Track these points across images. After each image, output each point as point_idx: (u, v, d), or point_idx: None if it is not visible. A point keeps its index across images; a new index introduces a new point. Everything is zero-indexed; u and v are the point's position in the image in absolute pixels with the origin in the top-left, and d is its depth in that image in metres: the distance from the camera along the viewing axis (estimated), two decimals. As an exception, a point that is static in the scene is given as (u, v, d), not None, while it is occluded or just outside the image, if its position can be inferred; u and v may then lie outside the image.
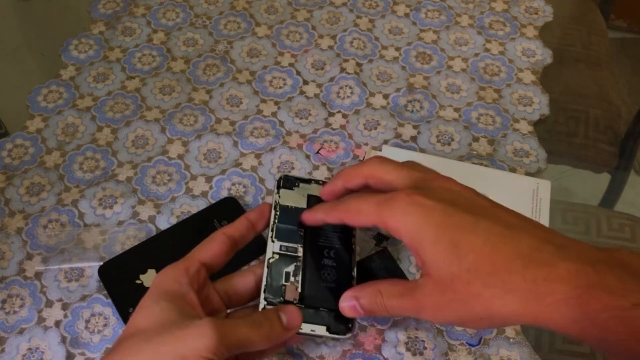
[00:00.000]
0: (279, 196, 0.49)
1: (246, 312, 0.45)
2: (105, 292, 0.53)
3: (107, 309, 0.53)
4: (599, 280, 0.33)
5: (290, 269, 0.46)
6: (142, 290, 0.53)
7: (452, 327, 0.52)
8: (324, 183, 0.50)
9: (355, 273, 0.47)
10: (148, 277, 0.53)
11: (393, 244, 0.56)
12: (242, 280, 0.45)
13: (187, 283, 0.41)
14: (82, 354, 0.51)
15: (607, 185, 1.07)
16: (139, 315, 0.40)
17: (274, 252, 0.47)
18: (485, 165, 0.61)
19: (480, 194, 0.41)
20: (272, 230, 0.47)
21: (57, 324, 0.52)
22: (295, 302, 0.45)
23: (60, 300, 0.54)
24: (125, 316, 0.52)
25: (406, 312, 0.42)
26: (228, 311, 0.45)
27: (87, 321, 0.52)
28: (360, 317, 0.45)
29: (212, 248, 0.44)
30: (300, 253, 0.47)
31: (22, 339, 0.52)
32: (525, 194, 0.58)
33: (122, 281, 0.53)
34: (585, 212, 0.84)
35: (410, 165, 0.44)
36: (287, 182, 0.50)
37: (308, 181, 0.50)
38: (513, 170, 0.62)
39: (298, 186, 0.50)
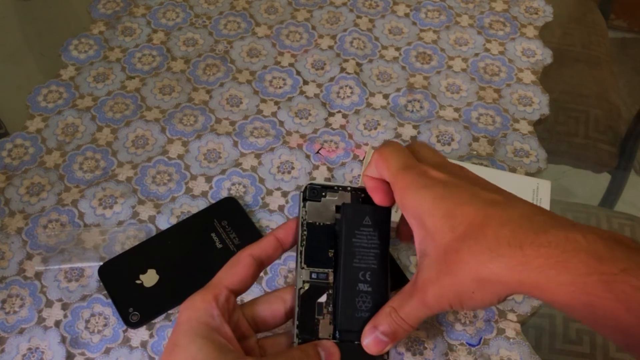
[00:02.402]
0: (306, 212, 0.45)
1: (279, 341, 0.44)
2: (105, 292, 0.53)
3: (107, 309, 0.53)
4: (588, 246, 0.33)
5: (323, 299, 0.43)
6: (142, 290, 0.53)
7: (452, 327, 0.52)
8: (352, 189, 0.46)
9: (390, 296, 0.43)
10: (148, 277, 0.54)
11: (393, 244, 0.56)
12: (271, 307, 0.43)
13: (218, 315, 0.39)
14: (82, 354, 0.51)
15: (607, 185, 1.07)
16: (176, 355, 0.38)
17: (304, 281, 0.43)
18: (485, 165, 0.61)
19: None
20: (300, 255, 0.43)
21: (57, 324, 0.52)
22: (329, 338, 0.42)
23: (60, 300, 0.54)
24: (125, 316, 0.52)
25: (420, 313, 0.40)
26: (258, 336, 0.44)
27: (87, 321, 0.52)
28: (389, 347, 0.42)
29: (238, 272, 0.42)
30: (330, 279, 0.43)
31: (22, 339, 0.52)
32: (525, 194, 0.58)
33: (122, 281, 0.53)
34: (585, 212, 0.85)
35: (440, 153, 0.45)
36: (313, 192, 0.45)
37: (335, 189, 0.46)
38: (513, 170, 0.62)
39: (325, 196, 0.45)
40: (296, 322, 0.42)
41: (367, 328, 0.42)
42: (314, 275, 0.43)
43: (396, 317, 0.40)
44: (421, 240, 0.40)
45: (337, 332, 0.42)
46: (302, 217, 0.45)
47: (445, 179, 0.39)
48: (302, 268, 0.43)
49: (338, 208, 0.45)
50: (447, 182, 0.39)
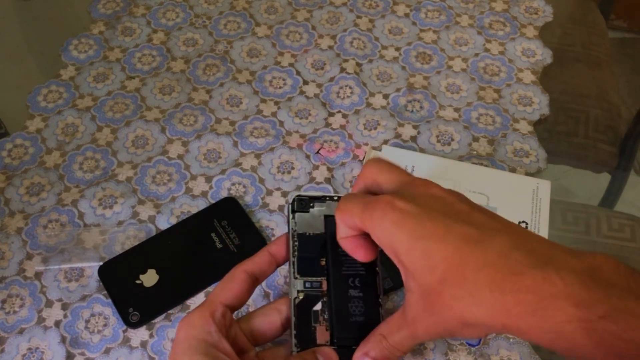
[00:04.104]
0: (295, 223, 0.46)
1: (278, 352, 0.44)
2: (105, 292, 0.53)
3: (107, 309, 0.53)
4: (566, 290, 0.32)
5: (318, 307, 0.44)
6: (142, 290, 0.53)
7: (452, 327, 0.52)
8: (339, 199, 0.46)
9: (382, 299, 0.45)
10: (148, 277, 0.54)
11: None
12: (267, 320, 0.44)
13: (216, 331, 0.40)
14: (82, 354, 0.51)
15: (607, 185, 1.07)
16: None
17: (298, 291, 0.44)
18: (485, 165, 0.61)
19: (465, 198, 0.40)
20: (293, 265, 0.44)
21: (57, 324, 0.52)
22: (327, 344, 0.43)
23: (60, 300, 0.54)
24: (125, 316, 0.52)
25: (411, 342, 0.41)
26: (257, 349, 0.44)
27: (87, 321, 0.52)
28: None
29: (233, 288, 0.43)
30: (324, 287, 0.44)
31: (22, 339, 0.52)
32: (525, 194, 0.58)
33: (122, 281, 0.53)
34: (585, 212, 0.85)
35: (399, 169, 0.43)
36: (301, 204, 0.46)
37: (322, 199, 0.47)
38: (513, 170, 0.62)
39: (313, 207, 0.46)
40: (294, 332, 0.43)
41: (358, 355, 0.42)
42: (307, 285, 0.44)
43: (387, 344, 0.41)
44: (403, 275, 0.39)
45: (334, 338, 0.43)
46: (292, 229, 0.45)
47: (414, 211, 0.38)
48: (296, 278, 0.44)
49: (326, 219, 0.46)
50: (417, 216, 0.38)
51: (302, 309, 0.43)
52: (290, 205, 0.46)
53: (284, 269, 0.55)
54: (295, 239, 0.45)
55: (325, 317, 0.43)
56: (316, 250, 0.45)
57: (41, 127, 0.65)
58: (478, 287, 0.35)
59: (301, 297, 0.44)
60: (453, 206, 0.39)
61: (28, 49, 0.77)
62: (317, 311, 0.44)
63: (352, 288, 0.44)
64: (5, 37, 0.77)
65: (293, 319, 0.43)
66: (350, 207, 0.41)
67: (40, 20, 0.79)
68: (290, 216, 0.46)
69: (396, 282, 0.53)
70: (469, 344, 0.51)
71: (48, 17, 0.79)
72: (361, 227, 0.41)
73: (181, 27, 0.73)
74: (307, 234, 0.46)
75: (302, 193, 0.47)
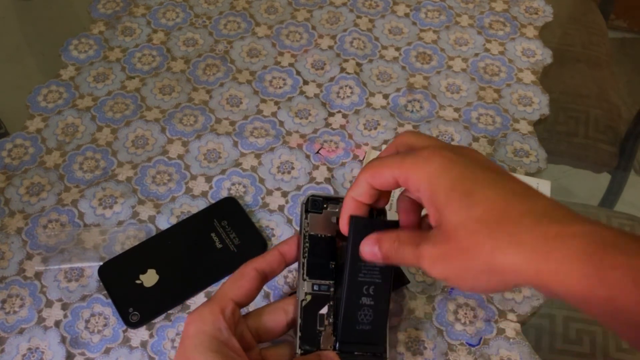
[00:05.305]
0: (308, 223, 0.45)
1: (281, 352, 0.44)
2: (105, 292, 0.53)
3: (107, 309, 0.53)
4: (614, 240, 0.32)
5: (324, 310, 0.44)
6: (142, 290, 0.53)
7: (452, 327, 0.52)
8: None
9: (388, 308, 0.44)
10: (148, 277, 0.54)
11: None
12: (273, 318, 0.44)
13: (226, 328, 0.40)
14: (82, 354, 0.51)
15: (607, 185, 1.07)
16: None
17: (306, 293, 0.44)
18: (485, 165, 0.61)
19: None
20: (303, 267, 0.44)
21: (57, 324, 0.52)
22: (330, 348, 0.43)
23: (60, 300, 0.54)
24: (125, 316, 0.52)
25: (415, 264, 0.40)
26: (260, 346, 0.44)
27: (87, 321, 0.52)
28: (376, 261, 0.41)
29: (243, 285, 0.43)
30: (332, 291, 0.44)
31: (22, 339, 0.52)
32: (525, 194, 0.58)
33: (122, 281, 0.53)
34: (585, 212, 0.84)
35: (435, 138, 0.43)
36: (315, 204, 0.45)
37: (336, 200, 0.46)
38: (513, 170, 0.62)
39: (326, 208, 0.45)
40: (299, 334, 0.43)
41: (372, 239, 0.41)
42: (315, 287, 0.44)
43: (397, 248, 0.40)
44: (436, 211, 0.38)
45: (338, 343, 0.43)
46: (304, 229, 0.45)
47: (461, 161, 0.37)
48: (304, 280, 0.44)
49: (352, 218, 0.45)
50: (464, 165, 0.37)
51: (309, 311, 0.43)
52: (304, 205, 0.45)
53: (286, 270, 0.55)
54: (307, 240, 0.45)
55: (331, 321, 0.43)
56: (326, 253, 0.45)
57: (41, 127, 0.65)
58: (520, 228, 0.34)
59: (308, 299, 0.44)
60: (499, 168, 0.39)
61: (28, 49, 0.77)
62: (323, 315, 0.43)
63: (365, 296, 0.43)
64: (5, 37, 0.77)
65: (299, 320, 0.43)
66: (384, 161, 0.40)
67: (40, 20, 0.79)
68: (303, 216, 0.45)
69: (395, 282, 0.53)
70: (469, 344, 0.51)
71: (48, 17, 0.80)
72: (399, 175, 0.39)
73: (181, 27, 0.73)
74: (319, 235, 0.45)
75: (316, 193, 0.46)
